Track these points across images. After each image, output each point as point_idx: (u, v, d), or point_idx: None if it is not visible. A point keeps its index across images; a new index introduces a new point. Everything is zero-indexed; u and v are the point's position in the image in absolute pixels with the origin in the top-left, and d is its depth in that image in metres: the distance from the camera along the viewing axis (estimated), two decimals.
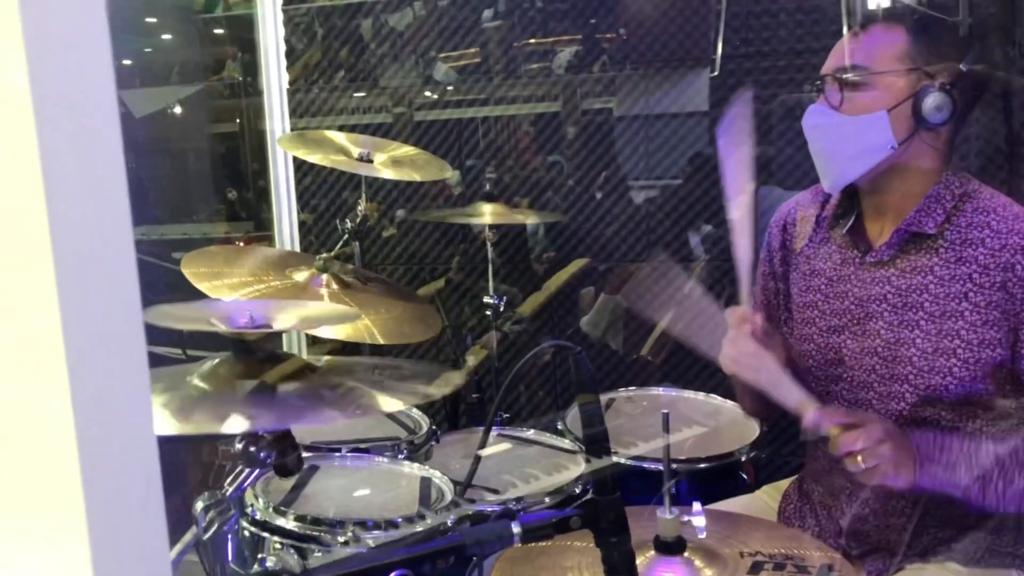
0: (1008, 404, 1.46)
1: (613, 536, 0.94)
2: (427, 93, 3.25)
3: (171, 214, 3.73)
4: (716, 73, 2.91)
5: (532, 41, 3.13)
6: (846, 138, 1.51)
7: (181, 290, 1.88)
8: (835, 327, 1.59)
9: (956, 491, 1.41)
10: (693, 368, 3.01)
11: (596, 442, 0.92)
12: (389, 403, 1.00)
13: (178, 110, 3.95)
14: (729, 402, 2.38)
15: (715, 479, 2.06)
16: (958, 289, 1.46)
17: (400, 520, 1.52)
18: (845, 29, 2.74)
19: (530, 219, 2.80)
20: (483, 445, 1.15)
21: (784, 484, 1.83)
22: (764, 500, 1.83)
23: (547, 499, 1.85)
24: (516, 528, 0.92)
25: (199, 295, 1.87)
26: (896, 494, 1.53)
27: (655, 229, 3.05)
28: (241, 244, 3.55)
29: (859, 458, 1.36)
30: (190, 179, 3.94)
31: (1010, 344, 1.43)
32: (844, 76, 1.50)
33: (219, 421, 0.93)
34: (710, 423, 2.32)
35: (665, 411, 1.19)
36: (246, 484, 1.11)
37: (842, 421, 1.40)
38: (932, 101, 1.45)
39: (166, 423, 0.89)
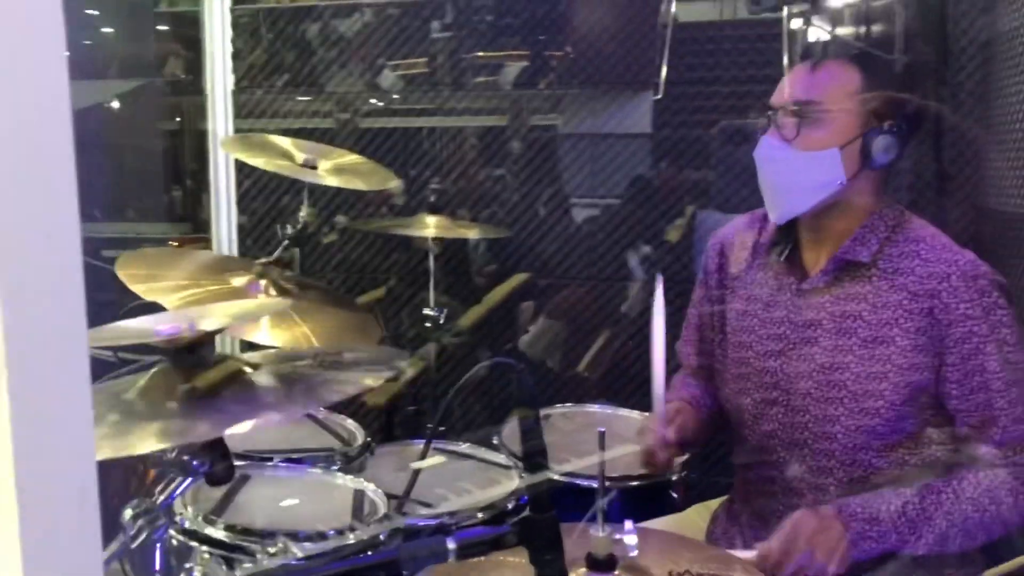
0: (933, 442, 1.50)
1: (547, 554, 0.95)
2: (373, 101, 3.23)
3: (104, 211, 3.65)
4: (660, 96, 2.96)
5: (480, 54, 3.14)
6: (798, 172, 1.55)
7: (110, 290, 1.84)
8: (771, 352, 1.62)
9: (893, 550, 1.46)
10: (629, 385, 3.04)
11: (534, 457, 0.93)
12: (337, 392, 0.98)
13: (116, 105, 3.87)
14: None
15: (646, 497, 2.08)
16: (889, 315, 1.50)
17: (332, 532, 1.51)
18: (786, 60, 2.81)
19: (474, 233, 2.80)
20: (423, 457, 1.14)
21: (714, 504, 1.86)
22: (694, 519, 1.86)
23: (480, 514, 1.85)
24: (451, 544, 0.92)
25: (133, 297, 1.83)
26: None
27: (596, 247, 3.08)
28: (175, 245, 3.48)
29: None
30: (126, 177, 3.86)
31: (935, 368, 1.49)
32: (801, 110, 1.53)
33: (157, 437, 0.91)
34: (642, 441, 2.34)
35: (601, 429, 1.20)
36: (177, 493, 1.09)
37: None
38: (881, 143, 1.51)
39: (104, 447, 0.86)
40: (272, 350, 1.19)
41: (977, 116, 2.60)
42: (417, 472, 1.07)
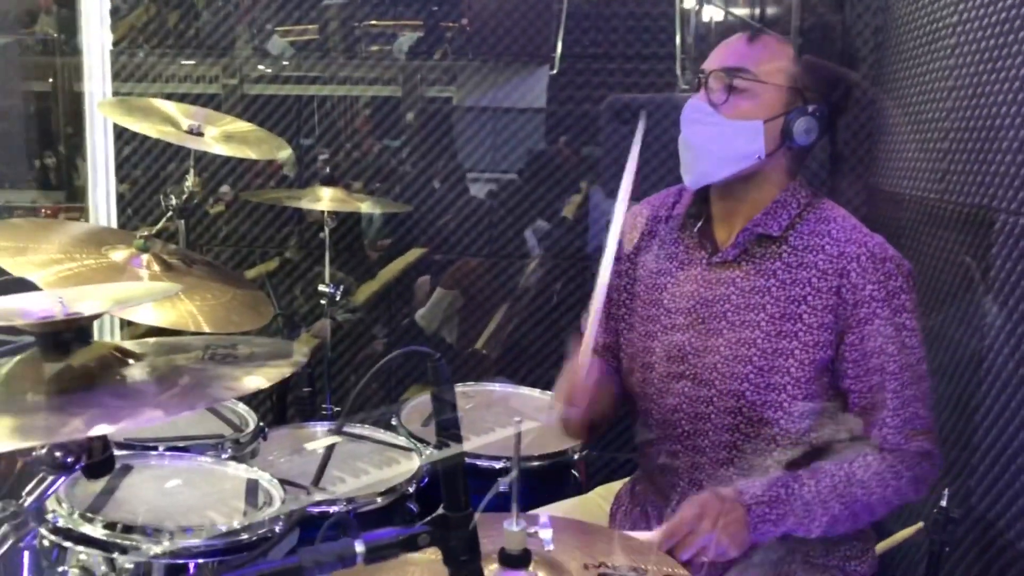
0: (834, 421, 1.52)
1: (463, 555, 0.90)
2: (261, 67, 3.09)
3: None
4: (555, 71, 2.93)
5: (373, 22, 3.05)
6: (721, 140, 1.54)
7: None
8: (679, 325, 1.61)
9: (789, 532, 1.48)
10: (528, 364, 3.02)
11: (452, 459, 0.87)
12: (229, 390, 0.89)
13: None
14: None
15: (547, 477, 2.05)
16: (798, 292, 1.51)
17: (223, 527, 1.42)
18: (678, 39, 2.82)
19: (372, 207, 2.71)
20: (338, 432, 1.07)
21: (616, 486, 1.85)
22: (596, 502, 1.84)
23: (380, 498, 1.79)
24: (360, 547, 0.86)
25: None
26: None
27: (495, 223, 3.04)
28: (47, 214, 3.26)
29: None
30: None
31: (835, 346, 1.50)
32: (732, 77, 1.52)
33: (19, 434, 0.80)
34: (542, 419, 2.31)
35: (518, 425, 1.15)
36: (49, 493, 0.99)
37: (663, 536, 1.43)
38: (803, 124, 1.52)
39: None
40: (156, 340, 1.08)
41: (872, 97, 2.66)
42: (327, 458, 0.99)
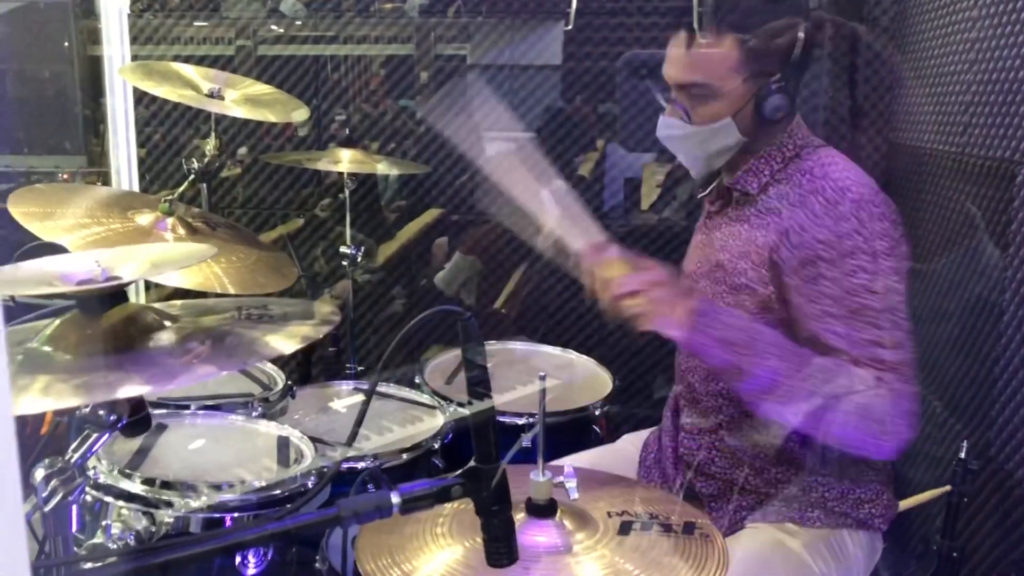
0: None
1: (495, 504, 0.92)
2: (273, 26, 3.09)
3: None
4: (570, 27, 2.91)
5: None
6: (699, 144, 1.61)
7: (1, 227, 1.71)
8: (693, 273, 1.71)
9: (721, 368, 1.47)
10: (547, 322, 3.04)
11: (482, 413, 0.89)
12: (273, 347, 0.92)
13: None
14: (583, 356, 2.42)
15: (568, 433, 2.09)
16: (760, 235, 1.55)
17: (256, 482, 1.46)
18: None
19: (391, 169, 2.72)
20: (370, 396, 1.09)
21: (644, 434, 1.88)
22: (627, 449, 1.88)
23: (405, 455, 1.83)
24: (396, 498, 0.89)
25: (28, 236, 1.71)
26: (740, 449, 1.59)
27: None
28: (65, 179, 3.28)
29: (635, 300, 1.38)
30: (9, 106, 3.60)
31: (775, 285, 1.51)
32: (691, 93, 1.57)
33: (82, 392, 0.83)
34: (564, 377, 2.35)
35: (542, 381, 1.17)
36: (94, 449, 1.02)
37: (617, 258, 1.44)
38: (772, 103, 1.55)
39: (25, 400, 0.79)
40: (187, 301, 1.11)
41: (892, 52, 2.64)
42: (362, 418, 1.01)
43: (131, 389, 0.85)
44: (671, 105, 1.61)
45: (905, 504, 1.73)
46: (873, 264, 1.44)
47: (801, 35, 1.53)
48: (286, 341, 0.92)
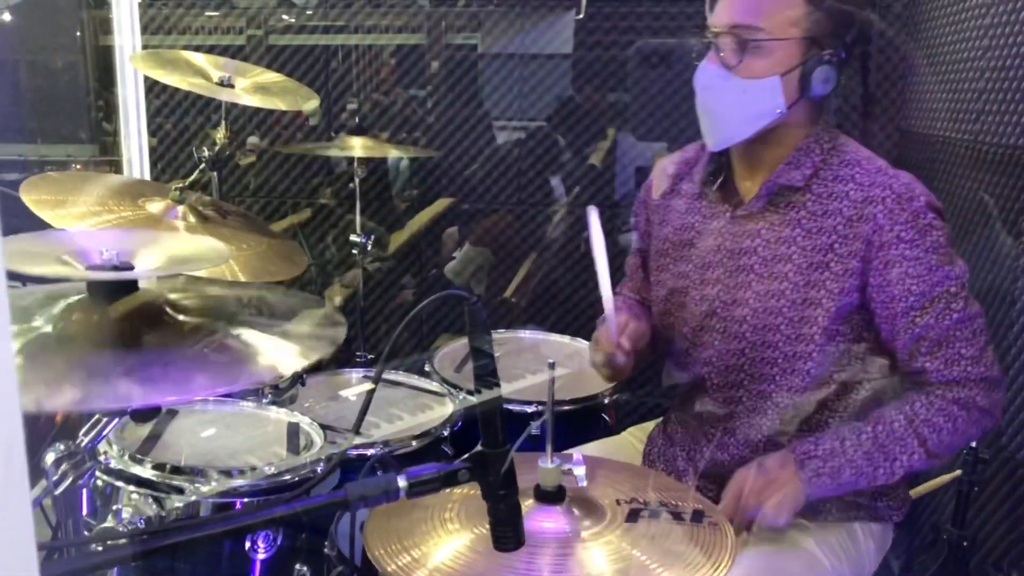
0: (867, 368, 1.52)
1: (501, 489, 0.93)
2: (284, 16, 3.09)
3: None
4: (581, 16, 2.90)
5: None
6: (739, 102, 1.50)
7: (13, 216, 1.71)
8: (708, 280, 1.61)
9: (847, 488, 1.48)
10: (557, 311, 3.04)
11: (491, 401, 0.90)
12: (285, 362, 0.92)
13: (7, 17, 3.60)
14: None
15: (578, 421, 2.09)
16: (824, 241, 1.50)
17: (267, 467, 1.46)
18: None
19: (403, 153, 2.72)
20: (376, 382, 1.10)
21: (649, 426, 1.87)
22: (630, 442, 1.87)
23: (414, 442, 1.83)
24: (403, 482, 0.89)
25: (40, 224, 1.72)
26: (752, 443, 1.58)
27: (524, 171, 3.04)
28: (78, 168, 3.29)
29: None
30: (21, 95, 3.61)
31: (862, 290, 1.49)
32: (742, 35, 1.47)
33: (89, 396, 0.83)
34: (573, 365, 2.34)
35: (551, 369, 1.17)
36: (104, 434, 1.03)
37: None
38: (821, 74, 1.47)
39: (31, 399, 0.79)
40: (199, 292, 1.11)
41: (904, 39, 2.62)
42: (368, 405, 1.02)
43: (135, 397, 0.85)
44: (713, 52, 1.50)
45: (915, 492, 1.72)
46: (948, 258, 1.47)
47: (868, 16, 1.49)
48: (291, 360, 0.92)
